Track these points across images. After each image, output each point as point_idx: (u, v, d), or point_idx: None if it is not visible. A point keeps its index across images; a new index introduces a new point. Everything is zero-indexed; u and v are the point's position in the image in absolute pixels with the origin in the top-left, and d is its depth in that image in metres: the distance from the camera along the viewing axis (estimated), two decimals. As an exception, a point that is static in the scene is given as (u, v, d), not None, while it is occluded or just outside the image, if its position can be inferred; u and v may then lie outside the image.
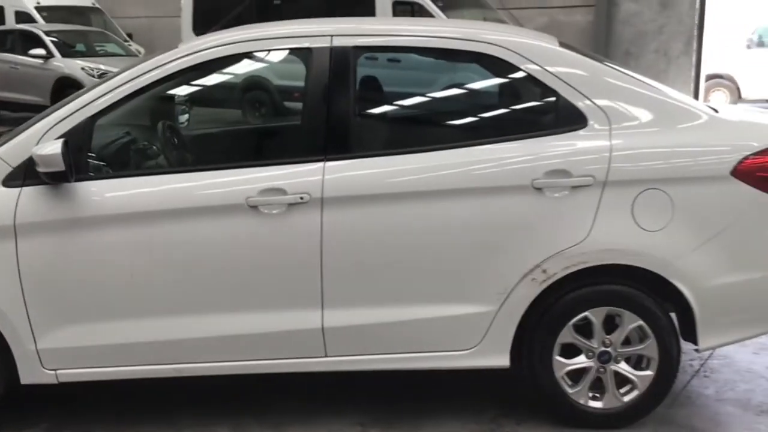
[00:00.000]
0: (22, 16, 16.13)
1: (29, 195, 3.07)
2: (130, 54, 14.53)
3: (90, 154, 3.18)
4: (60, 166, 2.95)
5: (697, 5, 12.79)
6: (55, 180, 3.02)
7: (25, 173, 3.07)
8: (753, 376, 3.78)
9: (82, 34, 14.78)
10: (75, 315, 3.15)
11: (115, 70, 12.27)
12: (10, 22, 16.12)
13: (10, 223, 3.05)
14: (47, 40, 13.53)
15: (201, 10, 13.74)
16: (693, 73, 13.02)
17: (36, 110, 11.91)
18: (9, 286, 3.09)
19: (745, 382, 3.72)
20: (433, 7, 12.44)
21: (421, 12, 12.62)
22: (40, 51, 13.38)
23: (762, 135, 3.23)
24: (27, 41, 13.75)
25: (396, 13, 12.62)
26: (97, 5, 17.53)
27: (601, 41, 13.83)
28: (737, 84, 15.93)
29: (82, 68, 13.09)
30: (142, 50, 15.59)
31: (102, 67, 13.05)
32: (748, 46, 16.28)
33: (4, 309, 3.10)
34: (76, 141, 3.08)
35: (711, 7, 14.11)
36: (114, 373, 3.23)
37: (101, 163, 3.24)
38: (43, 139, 3.07)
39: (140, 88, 3.18)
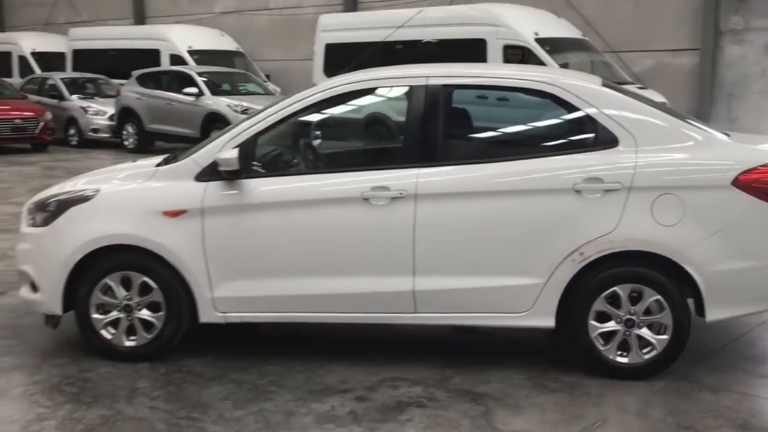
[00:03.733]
0: (175, 59, 18.41)
1: (213, 187, 4.39)
2: (268, 93, 16.29)
3: (254, 161, 4.48)
4: (236, 166, 4.26)
5: (800, 48, 13.25)
6: (231, 177, 4.34)
7: (211, 172, 4.40)
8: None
9: (227, 75, 16.72)
10: (240, 274, 4.42)
11: (256, 106, 13.83)
12: (165, 64, 18.40)
13: (199, 207, 4.38)
14: (199, 80, 15.44)
15: (331, 55, 15.44)
16: (796, 113, 13.44)
17: (187, 141, 13.65)
18: (196, 252, 4.41)
19: (760, 355, 4.56)
20: (541, 52, 13.39)
21: (529, 56, 13.60)
22: (193, 89, 15.30)
23: (757, 156, 4.16)
24: (181, 81, 15.76)
25: (506, 56, 13.67)
26: (240, 50, 19.68)
27: (707, 83, 14.45)
28: None
29: (228, 105, 14.87)
30: (278, 89, 17.41)
31: (244, 104, 14.76)
32: None
33: (192, 268, 4.42)
34: (245, 150, 4.39)
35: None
36: (264, 317, 4.49)
37: (260, 167, 4.53)
38: (224, 148, 4.40)
39: (290, 114, 4.48)
